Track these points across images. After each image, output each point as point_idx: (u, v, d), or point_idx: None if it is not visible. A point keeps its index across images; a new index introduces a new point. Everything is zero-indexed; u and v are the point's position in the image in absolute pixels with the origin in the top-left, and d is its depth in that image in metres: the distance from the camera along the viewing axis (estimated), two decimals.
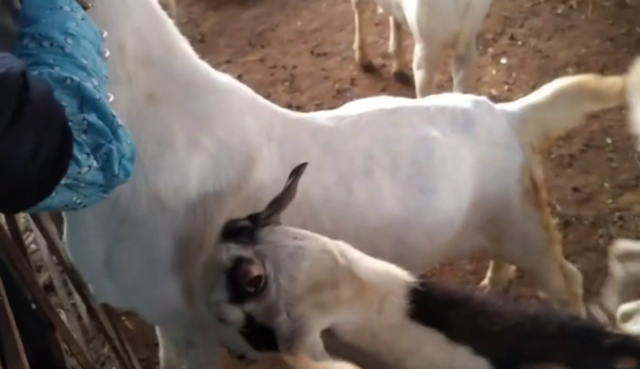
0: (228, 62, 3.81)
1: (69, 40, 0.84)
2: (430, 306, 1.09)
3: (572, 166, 2.87)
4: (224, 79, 1.32)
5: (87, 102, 0.81)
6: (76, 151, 0.78)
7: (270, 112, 1.38)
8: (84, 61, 0.85)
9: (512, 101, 3.26)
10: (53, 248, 1.72)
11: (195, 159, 1.19)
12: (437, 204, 1.49)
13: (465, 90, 2.68)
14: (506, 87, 3.43)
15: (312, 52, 3.84)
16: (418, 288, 1.11)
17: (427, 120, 1.56)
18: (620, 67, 3.44)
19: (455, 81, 2.73)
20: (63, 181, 0.77)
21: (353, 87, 3.55)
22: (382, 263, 1.17)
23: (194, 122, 1.20)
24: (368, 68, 3.65)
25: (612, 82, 1.66)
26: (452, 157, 1.54)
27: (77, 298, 1.96)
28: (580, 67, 3.51)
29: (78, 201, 0.82)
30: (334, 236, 1.37)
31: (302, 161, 1.34)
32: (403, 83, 3.53)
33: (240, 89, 1.35)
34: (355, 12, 3.55)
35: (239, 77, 3.65)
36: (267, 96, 3.45)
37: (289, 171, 1.24)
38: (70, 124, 0.78)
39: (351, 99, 3.47)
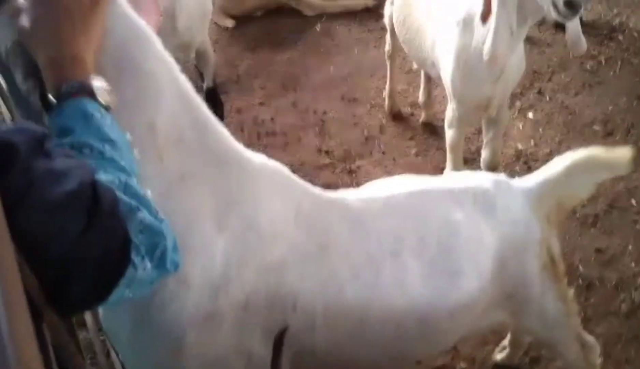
0: (261, 104, 3.93)
1: (107, 146, 0.88)
2: None
3: (596, 226, 2.90)
4: (258, 159, 1.36)
5: (135, 198, 0.85)
6: (133, 255, 0.81)
7: (300, 192, 1.42)
8: (123, 163, 0.89)
9: (537, 156, 3.39)
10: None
11: (222, 239, 1.23)
12: (461, 286, 1.53)
13: (494, 149, 2.75)
14: (532, 142, 3.48)
15: (342, 98, 3.95)
16: None
17: (451, 202, 1.62)
18: None
19: (484, 140, 2.79)
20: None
21: (381, 135, 3.64)
22: None
23: (224, 203, 1.24)
24: (397, 116, 3.74)
25: (622, 152, 1.73)
26: (476, 239, 1.59)
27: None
28: (607, 125, 3.56)
29: (130, 295, 0.85)
30: (360, 317, 1.42)
31: (331, 241, 1.40)
32: (430, 133, 3.61)
33: (273, 169, 1.39)
34: (387, 61, 3.65)
35: (272, 120, 3.78)
36: (298, 140, 3.64)
37: (317, 251, 1.29)
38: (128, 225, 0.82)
39: (379, 146, 3.57)
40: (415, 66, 3.54)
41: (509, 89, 2.63)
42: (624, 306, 2.51)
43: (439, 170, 3.32)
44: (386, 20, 3.45)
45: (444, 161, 3.36)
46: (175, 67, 1.22)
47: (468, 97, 2.55)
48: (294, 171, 3.35)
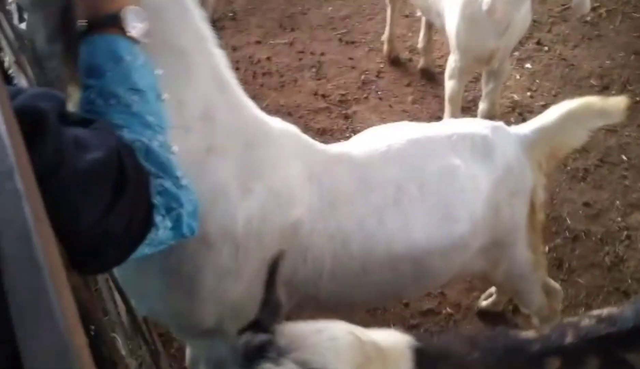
0: (258, 43, 3.87)
1: (135, 97, 0.87)
2: (426, 362, 1.13)
3: (586, 180, 2.95)
4: (277, 125, 1.38)
5: (155, 165, 0.85)
6: (155, 216, 0.83)
7: (312, 152, 1.46)
8: (150, 118, 0.88)
9: (533, 107, 3.40)
10: None
11: (245, 204, 1.27)
12: (456, 231, 1.58)
13: (493, 101, 2.76)
14: (529, 93, 3.49)
15: (340, 40, 3.90)
16: (419, 347, 1.14)
17: (449, 148, 1.64)
18: None
19: (484, 92, 2.80)
20: None
21: (378, 80, 3.62)
22: (385, 331, 1.18)
23: (249, 171, 1.28)
24: (395, 61, 3.71)
25: (616, 101, 1.76)
26: (472, 185, 1.62)
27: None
28: (604, 79, 3.56)
29: (149, 253, 0.87)
30: (360, 261, 1.48)
31: (339, 197, 1.43)
32: (428, 80, 3.60)
33: (290, 133, 1.42)
34: (388, 5, 3.59)
35: (268, 60, 3.74)
36: (294, 81, 3.61)
37: (327, 208, 1.32)
38: None
39: (376, 91, 3.56)
40: (418, 13, 3.48)
41: (513, 42, 2.61)
42: (608, 258, 2.59)
43: (435, 118, 3.33)
44: None
45: (441, 110, 3.37)
46: (212, 42, 1.20)
47: (472, 50, 2.53)
48: (289, 114, 3.40)
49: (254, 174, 1.29)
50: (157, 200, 0.83)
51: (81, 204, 0.74)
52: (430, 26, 3.49)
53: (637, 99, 3.37)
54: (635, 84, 3.50)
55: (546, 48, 3.78)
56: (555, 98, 3.46)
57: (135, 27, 0.91)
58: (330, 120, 3.36)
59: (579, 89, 3.50)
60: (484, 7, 2.20)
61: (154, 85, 0.92)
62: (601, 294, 2.44)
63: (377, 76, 3.64)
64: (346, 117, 3.39)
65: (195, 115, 1.15)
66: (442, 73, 3.64)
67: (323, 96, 3.50)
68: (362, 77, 3.63)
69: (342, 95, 3.51)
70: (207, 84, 1.18)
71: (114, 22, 0.90)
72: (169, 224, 0.85)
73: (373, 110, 3.42)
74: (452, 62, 2.66)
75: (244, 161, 1.27)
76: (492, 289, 2.43)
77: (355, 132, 3.35)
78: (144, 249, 0.85)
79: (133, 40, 0.91)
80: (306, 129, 3.33)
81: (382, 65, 3.71)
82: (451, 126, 1.81)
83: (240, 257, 1.29)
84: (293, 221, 1.36)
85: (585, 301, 2.41)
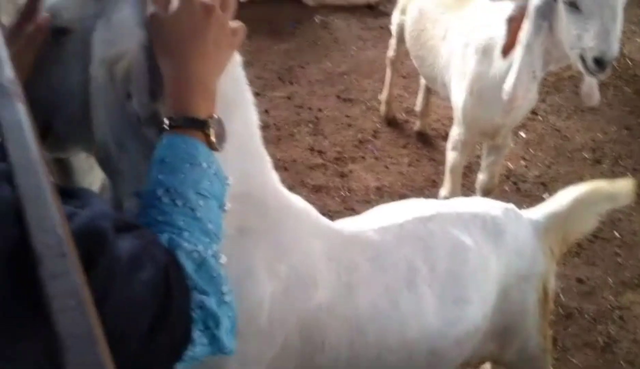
0: (257, 94, 3.85)
1: (201, 202, 0.85)
2: None
3: (579, 255, 2.96)
4: (299, 203, 1.35)
5: (205, 279, 0.82)
6: (193, 332, 0.79)
7: (330, 232, 1.43)
8: (210, 226, 0.86)
9: (527, 177, 3.44)
10: None
11: (271, 287, 1.23)
12: (468, 315, 1.55)
13: (493, 174, 2.76)
14: (523, 162, 3.53)
15: (338, 97, 3.92)
16: None
17: (461, 228, 1.63)
18: (634, 158, 3.58)
19: (483, 163, 2.80)
20: None
21: (375, 140, 3.64)
22: None
23: (275, 252, 1.24)
24: (391, 121, 3.74)
25: (623, 184, 1.79)
26: (483, 267, 1.61)
27: None
28: (596, 152, 3.62)
29: (180, 368, 0.83)
30: (376, 348, 1.44)
31: (355, 279, 1.41)
32: (424, 143, 3.62)
33: (310, 211, 1.39)
34: (388, 67, 3.63)
35: (266, 112, 3.74)
36: (291, 136, 3.61)
37: (345, 290, 1.29)
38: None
39: (372, 151, 3.57)
40: (422, 81, 3.51)
41: (519, 118, 2.64)
42: (601, 339, 2.58)
43: (430, 181, 3.35)
44: (393, 27, 3.42)
45: (436, 173, 3.39)
46: (255, 118, 1.17)
47: (478, 124, 2.54)
48: (285, 169, 3.37)
49: (280, 255, 1.25)
50: (196, 314, 0.80)
51: (126, 330, 0.70)
52: (428, 90, 3.53)
53: (628, 174, 3.42)
54: (626, 160, 3.57)
55: (540, 118, 3.85)
56: (549, 169, 3.51)
57: (217, 135, 0.90)
58: (326, 177, 3.35)
59: (572, 161, 3.56)
60: (505, 96, 2.19)
61: (221, 194, 0.91)
62: None
63: (373, 136, 3.66)
64: (342, 175, 3.39)
65: (233, 193, 1.11)
66: (438, 136, 3.69)
67: (319, 152, 3.50)
68: (359, 135, 3.64)
69: (339, 152, 3.51)
70: (248, 161, 1.15)
71: (199, 126, 0.89)
72: (205, 340, 0.81)
73: (369, 170, 3.43)
74: (456, 134, 2.65)
75: (271, 240, 1.23)
76: (487, 365, 2.40)
77: (350, 191, 3.35)
78: (178, 365, 0.81)
79: (213, 147, 0.90)
80: (301, 185, 3.33)
81: (378, 125, 3.73)
82: (462, 204, 1.81)
83: (263, 345, 1.25)
84: (315, 304, 1.33)
85: None
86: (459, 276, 1.57)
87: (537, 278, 1.72)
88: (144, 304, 0.72)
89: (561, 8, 2.07)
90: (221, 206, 0.91)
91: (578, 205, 1.79)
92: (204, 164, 0.87)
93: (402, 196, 3.24)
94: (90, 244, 0.64)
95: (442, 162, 3.45)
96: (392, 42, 3.52)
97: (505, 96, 2.20)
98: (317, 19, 4.65)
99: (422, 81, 3.55)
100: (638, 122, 3.85)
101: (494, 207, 1.76)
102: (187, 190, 0.84)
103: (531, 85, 2.25)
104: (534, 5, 2.13)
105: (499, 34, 2.32)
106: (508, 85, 2.18)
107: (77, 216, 0.65)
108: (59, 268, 0.44)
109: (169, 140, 0.87)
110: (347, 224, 1.59)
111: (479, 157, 3.16)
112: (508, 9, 2.34)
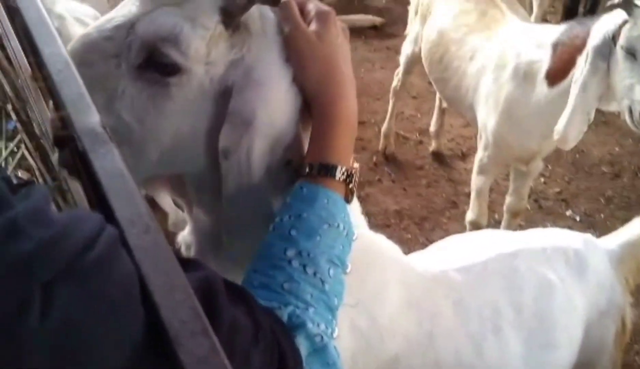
0: None
1: (331, 272, 0.74)
2: None
3: None
4: (384, 244, 1.24)
5: (318, 365, 0.72)
6: None
7: (413, 277, 1.33)
8: (335, 302, 0.75)
9: (547, 194, 3.37)
10: None
11: (351, 339, 1.13)
12: (557, 359, 1.45)
13: (521, 196, 2.65)
14: (542, 179, 3.48)
15: None
16: None
17: (544, 263, 1.53)
18: None
19: (511, 186, 2.71)
20: None
21: (390, 162, 3.58)
22: None
23: (359, 307, 1.13)
24: (404, 143, 3.69)
25: None
26: (570, 306, 1.51)
27: None
28: (614, 166, 3.58)
29: None
30: None
31: (437, 326, 1.32)
32: (440, 163, 3.57)
33: (395, 256, 1.28)
34: (391, 99, 3.54)
35: None
36: None
37: (425, 339, 1.20)
38: None
39: (389, 174, 3.51)
40: (437, 101, 3.46)
41: (554, 145, 2.56)
42: (638, 359, 2.51)
43: (450, 203, 3.29)
44: (402, 58, 3.34)
45: (455, 194, 3.33)
46: None
47: (512, 150, 2.42)
48: None
49: (363, 306, 1.15)
50: None
51: None
52: (443, 111, 3.49)
53: None
54: None
55: None
56: (569, 185, 3.46)
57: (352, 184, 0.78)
58: None
59: (591, 176, 3.51)
60: (556, 136, 2.09)
61: (347, 258, 0.79)
62: None
63: (388, 158, 3.61)
64: (359, 199, 3.31)
65: None
66: (454, 156, 3.65)
67: None
68: (374, 158, 3.59)
69: None
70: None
71: (344, 177, 0.76)
72: None
73: (387, 192, 3.37)
74: (484, 158, 2.51)
75: (354, 296, 1.15)
76: None
77: (369, 215, 3.27)
78: None
79: (348, 201, 0.78)
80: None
81: (393, 147, 3.68)
82: (541, 236, 1.70)
83: None
84: (392, 355, 1.24)
85: None
86: (546, 318, 1.46)
87: (616, 311, 1.63)
88: None
89: (619, 53, 1.97)
90: (345, 271, 0.79)
91: None
92: (341, 226, 0.75)
93: (423, 219, 3.18)
94: (204, 303, 0.56)
95: (460, 182, 3.41)
96: (399, 72, 3.43)
97: (556, 136, 2.07)
98: None
99: (437, 101, 3.51)
100: None
101: (573, 238, 1.66)
102: (321, 257, 0.73)
103: (583, 126, 2.10)
104: (593, 45, 2.02)
105: (542, 58, 2.20)
106: (560, 125, 2.06)
107: (195, 270, 0.58)
108: (200, 349, 0.37)
109: (310, 191, 0.74)
110: (425, 260, 1.49)
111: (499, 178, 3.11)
112: (553, 32, 2.23)
